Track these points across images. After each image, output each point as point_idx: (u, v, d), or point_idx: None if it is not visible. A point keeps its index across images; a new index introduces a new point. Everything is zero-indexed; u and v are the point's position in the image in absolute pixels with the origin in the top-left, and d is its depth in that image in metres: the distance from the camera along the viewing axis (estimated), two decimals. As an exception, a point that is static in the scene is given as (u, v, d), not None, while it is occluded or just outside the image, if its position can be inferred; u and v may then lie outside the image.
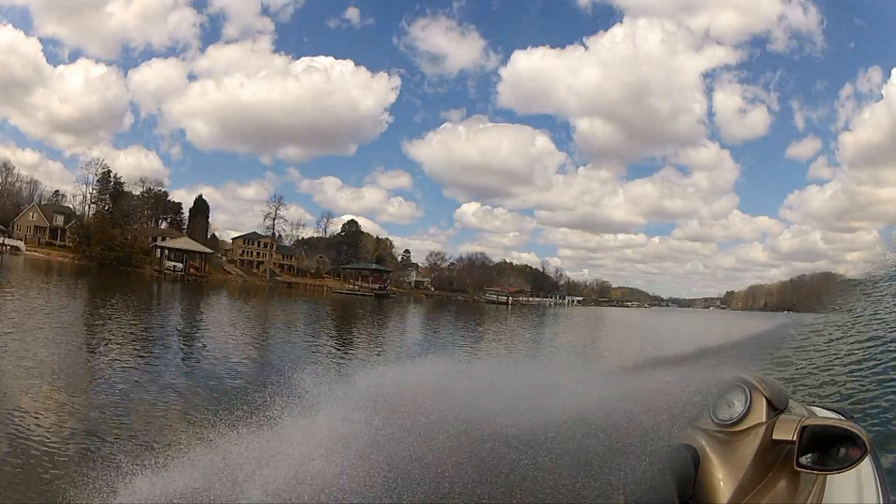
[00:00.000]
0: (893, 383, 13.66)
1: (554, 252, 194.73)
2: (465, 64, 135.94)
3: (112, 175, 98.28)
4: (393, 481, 7.80)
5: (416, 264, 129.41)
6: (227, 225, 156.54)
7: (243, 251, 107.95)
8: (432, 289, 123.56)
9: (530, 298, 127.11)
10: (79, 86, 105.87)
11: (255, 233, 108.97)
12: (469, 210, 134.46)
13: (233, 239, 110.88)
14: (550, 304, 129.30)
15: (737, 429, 3.27)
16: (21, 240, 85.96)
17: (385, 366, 20.89)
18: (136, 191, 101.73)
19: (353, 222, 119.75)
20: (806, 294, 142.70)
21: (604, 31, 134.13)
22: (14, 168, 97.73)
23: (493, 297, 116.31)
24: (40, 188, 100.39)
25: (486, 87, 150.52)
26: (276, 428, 9.12)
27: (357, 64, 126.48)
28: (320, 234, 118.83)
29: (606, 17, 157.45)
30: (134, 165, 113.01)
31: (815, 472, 2.98)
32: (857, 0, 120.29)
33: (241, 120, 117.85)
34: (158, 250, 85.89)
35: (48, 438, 9.78)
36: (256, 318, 39.84)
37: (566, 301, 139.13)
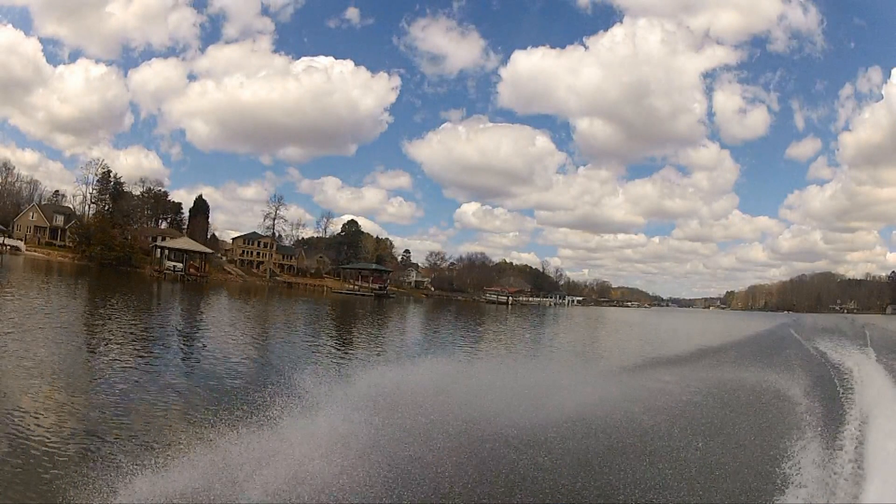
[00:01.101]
0: None
1: (554, 252, 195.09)
2: (465, 64, 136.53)
3: (112, 175, 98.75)
4: (393, 481, 7.84)
5: (416, 264, 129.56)
6: (227, 225, 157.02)
7: (243, 251, 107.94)
8: (432, 289, 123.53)
9: (530, 298, 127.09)
10: (79, 86, 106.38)
11: (255, 233, 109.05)
12: (469, 210, 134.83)
13: (233, 239, 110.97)
14: (550, 304, 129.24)
15: None
16: (21, 240, 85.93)
17: (385, 366, 20.95)
18: (136, 191, 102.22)
19: (353, 222, 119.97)
20: (806, 294, 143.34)
21: (604, 31, 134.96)
22: (14, 168, 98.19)
23: (493, 298, 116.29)
24: (40, 188, 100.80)
25: (486, 87, 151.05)
26: (276, 428, 9.16)
27: (357, 64, 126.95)
28: (320, 234, 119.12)
29: (606, 17, 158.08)
30: (134, 165, 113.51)
31: None
32: (857, 0, 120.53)
33: (241, 120, 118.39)
34: (158, 250, 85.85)
35: (48, 438, 9.78)
36: (256, 318, 39.83)
37: (566, 301, 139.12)
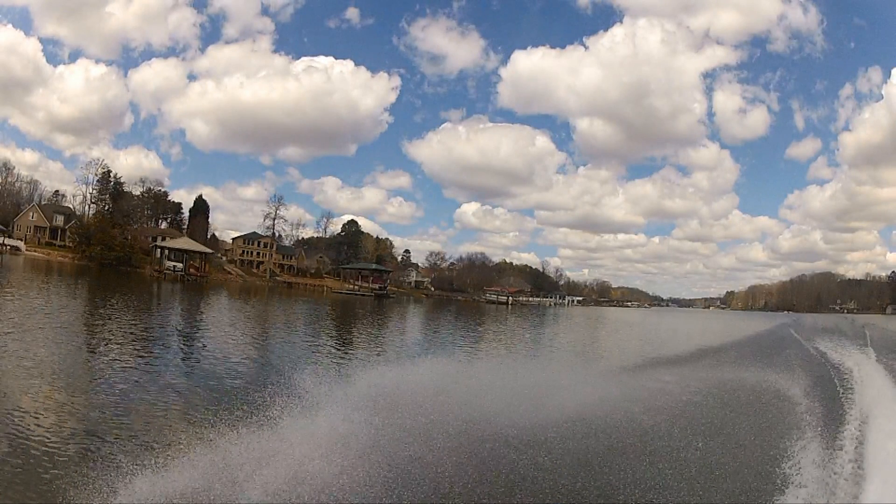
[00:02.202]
0: None
1: (554, 252, 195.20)
2: (465, 64, 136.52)
3: (112, 175, 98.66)
4: (393, 481, 7.85)
5: (416, 264, 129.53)
6: (227, 225, 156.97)
7: (243, 251, 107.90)
8: (432, 289, 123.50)
9: (530, 298, 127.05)
10: (79, 86, 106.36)
11: (255, 233, 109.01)
12: (469, 210, 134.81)
13: (233, 239, 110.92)
14: (550, 305, 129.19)
15: None
16: (21, 240, 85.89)
17: (385, 366, 20.95)
18: (136, 191, 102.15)
19: (353, 222, 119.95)
20: (806, 294, 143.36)
21: (604, 31, 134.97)
22: (14, 168, 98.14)
23: (493, 298, 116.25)
24: (40, 188, 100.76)
25: (486, 87, 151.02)
26: (276, 428, 9.17)
27: (357, 64, 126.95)
28: (320, 234, 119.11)
29: (606, 17, 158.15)
30: (134, 165, 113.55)
31: None
32: (856, 0, 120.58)
33: (241, 120, 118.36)
34: (158, 250, 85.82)
35: (48, 438, 9.78)
36: (256, 318, 39.82)
37: (566, 301, 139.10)
